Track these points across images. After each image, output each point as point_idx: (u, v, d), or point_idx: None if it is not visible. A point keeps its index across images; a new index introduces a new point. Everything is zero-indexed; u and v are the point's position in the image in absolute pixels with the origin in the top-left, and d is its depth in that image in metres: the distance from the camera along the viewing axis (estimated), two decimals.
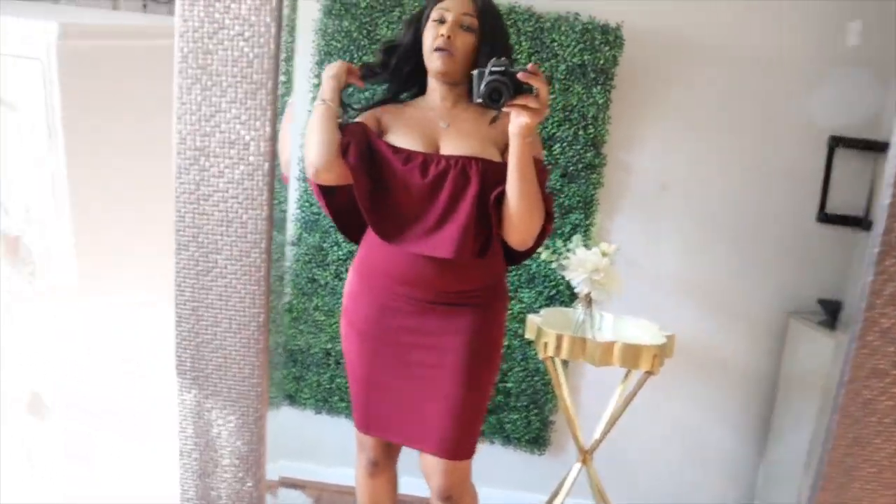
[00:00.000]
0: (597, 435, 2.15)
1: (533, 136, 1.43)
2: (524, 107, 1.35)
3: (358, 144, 1.51)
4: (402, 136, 1.55)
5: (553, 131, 2.28)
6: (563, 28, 2.25)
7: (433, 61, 1.54)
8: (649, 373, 1.98)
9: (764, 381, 2.41)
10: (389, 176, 1.51)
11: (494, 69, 1.34)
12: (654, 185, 2.36)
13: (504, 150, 1.51)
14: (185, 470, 0.73)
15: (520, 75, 1.33)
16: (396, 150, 1.52)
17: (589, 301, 2.10)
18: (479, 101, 1.35)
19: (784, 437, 2.32)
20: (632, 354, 1.95)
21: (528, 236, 1.52)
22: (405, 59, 1.62)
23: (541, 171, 1.51)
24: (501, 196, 1.49)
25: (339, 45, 2.37)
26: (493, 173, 1.49)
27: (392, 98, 1.67)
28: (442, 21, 1.54)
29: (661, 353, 1.98)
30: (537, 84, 1.33)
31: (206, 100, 0.67)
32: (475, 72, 1.38)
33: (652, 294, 2.36)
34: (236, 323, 0.74)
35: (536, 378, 2.41)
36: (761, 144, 2.32)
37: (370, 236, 1.60)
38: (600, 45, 2.23)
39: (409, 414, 1.62)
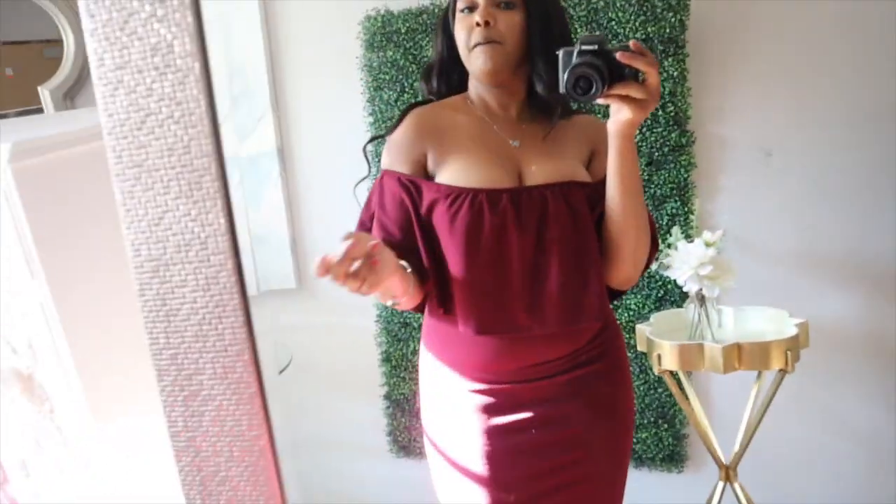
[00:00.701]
0: (736, 447, 1.91)
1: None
2: (626, 98, 1.05)
3: (399, 229, 1.22)
4: (465, 169, 1.20)
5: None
6: (618, 3, 2.03)
7: (475, 61, 1.20)
8: (784, 371, 1.72)
9: None
10: (462, 234, 1.18)
11: (585, 47, 1.03)
12: (756, 155, 2.08)
13: (587, 163, 1.28)
14: None
15: (619, 55, 1.02)
16: (462, 192, 1.18)
17: (701, 299, 1.86)
18: (562, 91, 1.05)
19: None
20: (760, 354, 1.70)
21: (635, 270, 1.26)
22: (449, 72, 1.30)
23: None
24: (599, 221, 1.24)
25: (387, 77, 2.27)
26: (596, 199, 1.22)
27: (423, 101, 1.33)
28: (472, 8, 1.20)
29: (795, 345, 1.72)
30: (644, 67, 1.03)
31: (151, 200, 0.55)
32: (561, 52, 1.06)
33: (773, 277, 2.08)
34: (238, 449, 0.61)
35: (660, 389, 2.18)
36: (870, 85, 1.99)
37: (441, 326, 1.29)
38: (663, 13, 2.00)
39: None
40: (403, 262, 1.15)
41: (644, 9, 2.01)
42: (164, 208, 0.65)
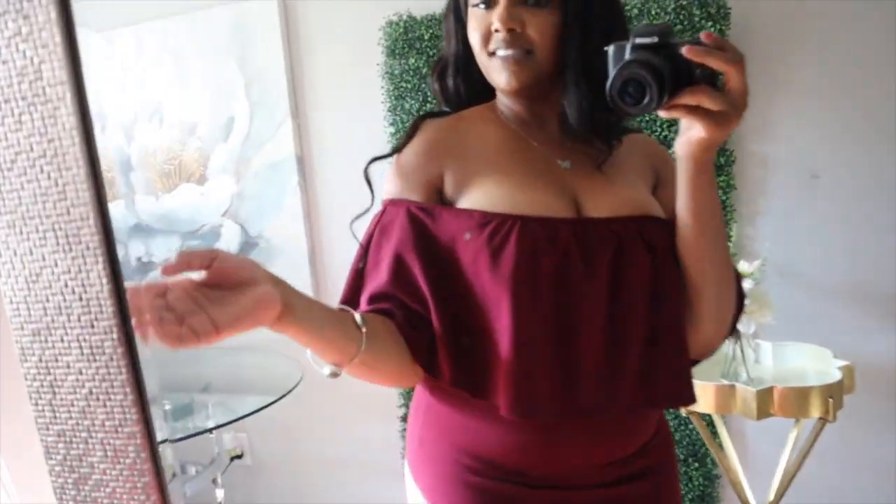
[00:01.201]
0: (771, 496, 1.75)
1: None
2: (698, 109, 0.76)
3: (399, 280, 0.89)
4: (504, 190, 0.89)
5: (663, 133, 1.92)
6: (653, 11, 1.90)
7: (495, 74, 0.92)
8: (825, 419, 1.56)
9: None
10: (511, 275, 0.84)
11: (639, 41, 0.76)
12: (801, 177, 1.92)
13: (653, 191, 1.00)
14: None
15: (686, 50, 0.73)
16: (507, 220, 0.86)
17: (736, 335, 1.71)
18: (608, 99, 0.75)
19: None
20: (798, 400, 1.55)
21: (717, 335, 0.96)
22: (468, 69, 0.98)
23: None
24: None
25: (409, 86, 2.17)
26: (669, 239, 0.93)
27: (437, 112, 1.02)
28: (489, 2, 0.90)
29: (838, 391, 1.56)
30: (722, 65, 0.73)
31: (28, 253, 0.45)
32: (610, 47, 0.79)
33: (817, 311, 1.91)
34: None
35: (691, 425, 2.03)
36: None
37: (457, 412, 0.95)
38: (701, 21, 1.85)
39: None
40: (353, 313, 0.82)
41: (681, 17, 1.86)
42: (41, 262, 0.54)
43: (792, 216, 1.93)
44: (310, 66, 2.33)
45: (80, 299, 0.46)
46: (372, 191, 0.99)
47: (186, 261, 0.65)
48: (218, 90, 2.45)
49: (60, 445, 0.51)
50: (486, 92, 0.99)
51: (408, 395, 2.34)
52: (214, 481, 2.19)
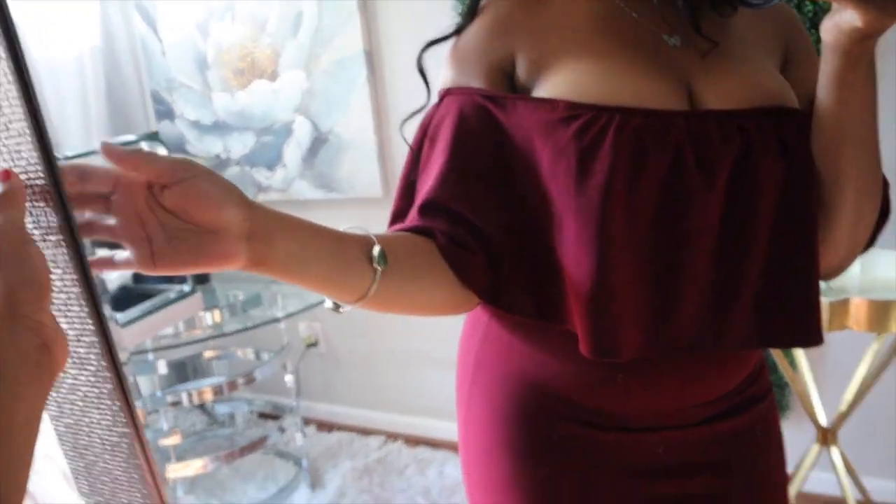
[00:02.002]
0: (843, 407, 1.68)
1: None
2: None
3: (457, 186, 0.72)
4: (596, 75, 0.71)
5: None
6: None
7: None
8: None
9: None
10: (604, 183, 0.68)
11: None
12: None
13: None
14: None
15: None
16: (601, 112, 0.69)
17: None
18: None
19: None
20: (876, 314, 1.45)
21: (850, 255, 0.79)
22: None
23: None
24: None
25: None
26: (807, 139, 0.74)
27: None
28: None
29: None
30: None
31: None
32: None
33: None
34: None
35: None
36: None
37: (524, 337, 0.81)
38: None
39: None
40: (360, 232, 0.66)
41: None
42: None
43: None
44: None
45: (66, 317, 0.46)
46: (427, 83, 0.82)
47: (113, 156, 0.52)
48: None
49: (68, 436, 0.52)
50: None
51: None
52: (284, 367, 2.31)
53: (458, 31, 0.79)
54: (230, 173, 2.69)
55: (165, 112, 2.82)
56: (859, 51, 0.63)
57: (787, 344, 0.76)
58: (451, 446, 2.39)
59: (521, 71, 0.74)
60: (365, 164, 2.42)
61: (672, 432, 0.79)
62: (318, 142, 2.49)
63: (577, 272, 0.70)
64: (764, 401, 0.84)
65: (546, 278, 0.72)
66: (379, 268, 0.64)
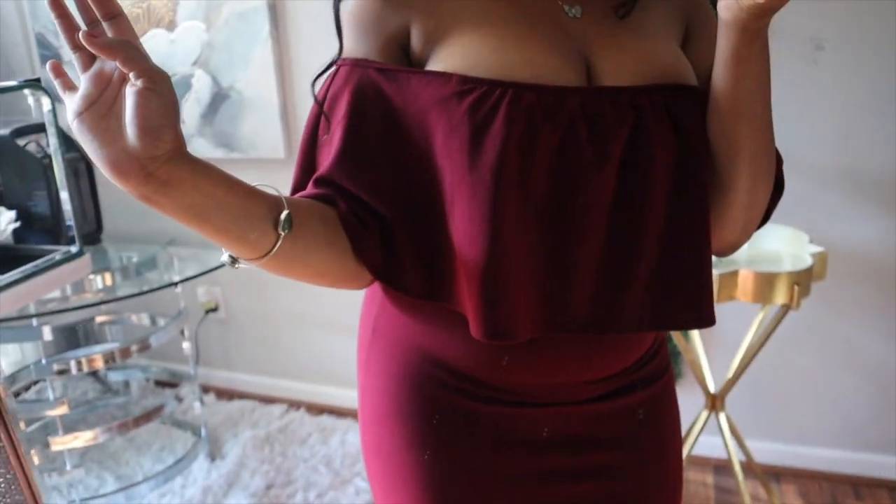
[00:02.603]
0: (729, 374, 1.75)
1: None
2: None
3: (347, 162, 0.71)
4: (491, 48, 0.69)
5: None
6: None
7: None
8: (787, 306, 1.52)
9: None
10: (496, 159, 0.66)
11: None
12: (803, 48, 1.77)
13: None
14: None
15: None
16: (495, 86, 0.67)
17: None
18: None
19: None
20: (762, 286, 1.50)
21: (745, 233, 0.79)
22: None
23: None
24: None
25: None
26: (702, 116, 0.74)
27: None
28: None
29: (806, 279, 1.50)
30: None
31: None
32: None
33: (803, 191, 1.82)
34: None
35: None
36: None
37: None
38: None
39: None
40: (272, 192, 0.66)
41: None
42: None
43: (788, 89, 1.80)
44: None
45: None
46: (341, 39, 0.76)
47: (96, 46, 0.54)
48: None
49: None
50: None
51: None
52: (182, 333, 2.21)
53: None
54: None
55: (52, 57, 2.60)
56: (756, 27, 0.63)
57: (681, 326, 0.76)
58: (354, 414, 2.37)
59: (417, 43, 0.72)
60: (267, 124, 2.31)
61: (561, 408, 0.79)
62: (219, 98, 2.36)
63: (468, 251, 0.68)
64: (658, 381, 0.84)
65: (438, 258, 0.72)
66: (283, 232, 0.64)
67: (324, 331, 2.50)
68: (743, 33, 0.64)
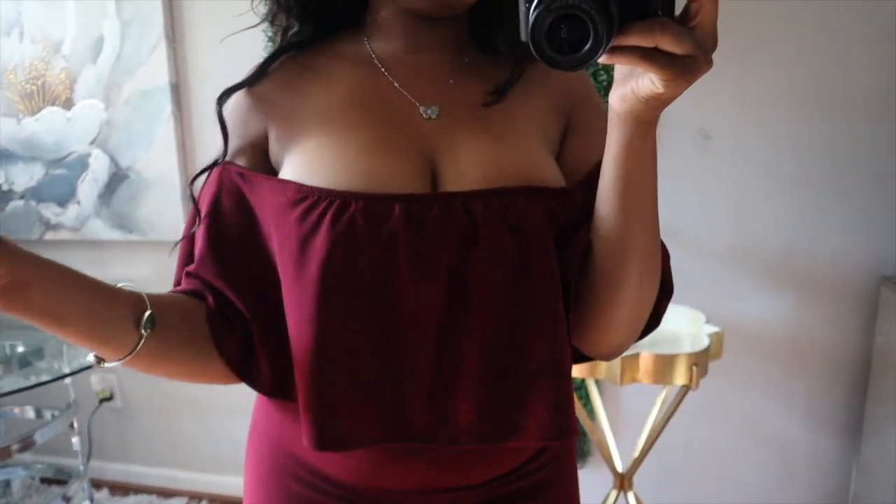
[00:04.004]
0: (635, 454, 1.77)
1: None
2: (652, 55, 0.51)
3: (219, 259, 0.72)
4: (328, 157, 0.69)
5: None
6: None
7: None
8: (687, 386, 1.56)
9: (853, 365, 1.93)
10: (318, 273, 0.66)
11: None
12: (692, 138, 1.88)
13: (559, 139, 0.78)
14: None
15: None
16: (323, 197, 0.67)
17: None
18: (525, 41, 0.49)
19: (881, 431, 1.85)
20: (662, 367, 1.54)
21: (631, 334, 0.75)
22: None
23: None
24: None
25: None
26: (568, 212, 0.72)
27: (286, 48, 0.77)
28: None
29: (703, 359, 1.55)
30: None
31: None
32: None
33: (698, 272, 1.91)
34: None
35: None
36: (826, 68, 1.79)
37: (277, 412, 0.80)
38: None
39: None
40: (134, 289, 0.66)
41: None
42: None
43: (680, 176, 1.90)
44: None
45: None
46: (225, 134, 0.74)
47: None
48: (86, 4, 2.21)
49: None
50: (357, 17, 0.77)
51: None
52: (72, 426, 2.07)
53: (243, 86, 0.75)
54: (13, 207, 2.41)
55: None
56: (650, 119, 0.60)
57: (526, 440, 0.71)
58: None
59: (273, 147, 0.73)
60: (168, 205, 2.25)
61: None
62: (117, 178, 2.29)
63: (298, 358, 0.69)
64: (548, 492, 0.80)
65: (285, 358, 0.72)
66: (145, 332, 0.65)
67: (225, 416, 2.39)
68: (637, 125, 0.60)
